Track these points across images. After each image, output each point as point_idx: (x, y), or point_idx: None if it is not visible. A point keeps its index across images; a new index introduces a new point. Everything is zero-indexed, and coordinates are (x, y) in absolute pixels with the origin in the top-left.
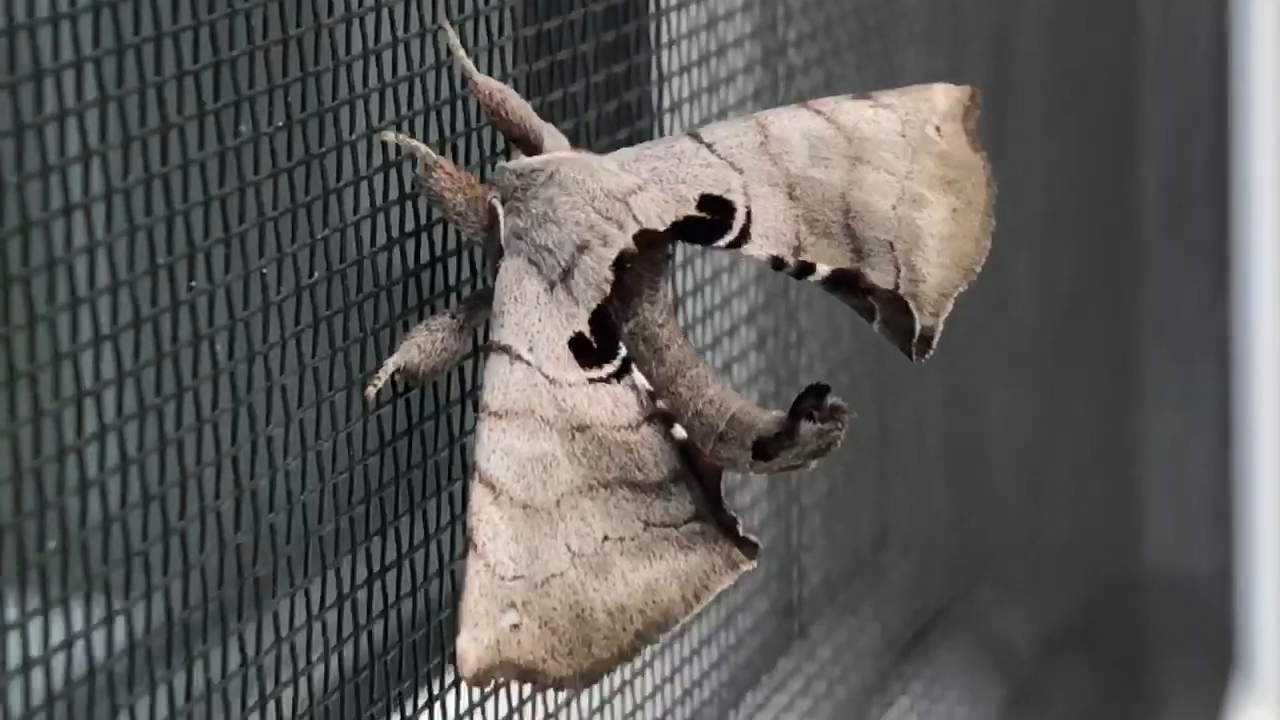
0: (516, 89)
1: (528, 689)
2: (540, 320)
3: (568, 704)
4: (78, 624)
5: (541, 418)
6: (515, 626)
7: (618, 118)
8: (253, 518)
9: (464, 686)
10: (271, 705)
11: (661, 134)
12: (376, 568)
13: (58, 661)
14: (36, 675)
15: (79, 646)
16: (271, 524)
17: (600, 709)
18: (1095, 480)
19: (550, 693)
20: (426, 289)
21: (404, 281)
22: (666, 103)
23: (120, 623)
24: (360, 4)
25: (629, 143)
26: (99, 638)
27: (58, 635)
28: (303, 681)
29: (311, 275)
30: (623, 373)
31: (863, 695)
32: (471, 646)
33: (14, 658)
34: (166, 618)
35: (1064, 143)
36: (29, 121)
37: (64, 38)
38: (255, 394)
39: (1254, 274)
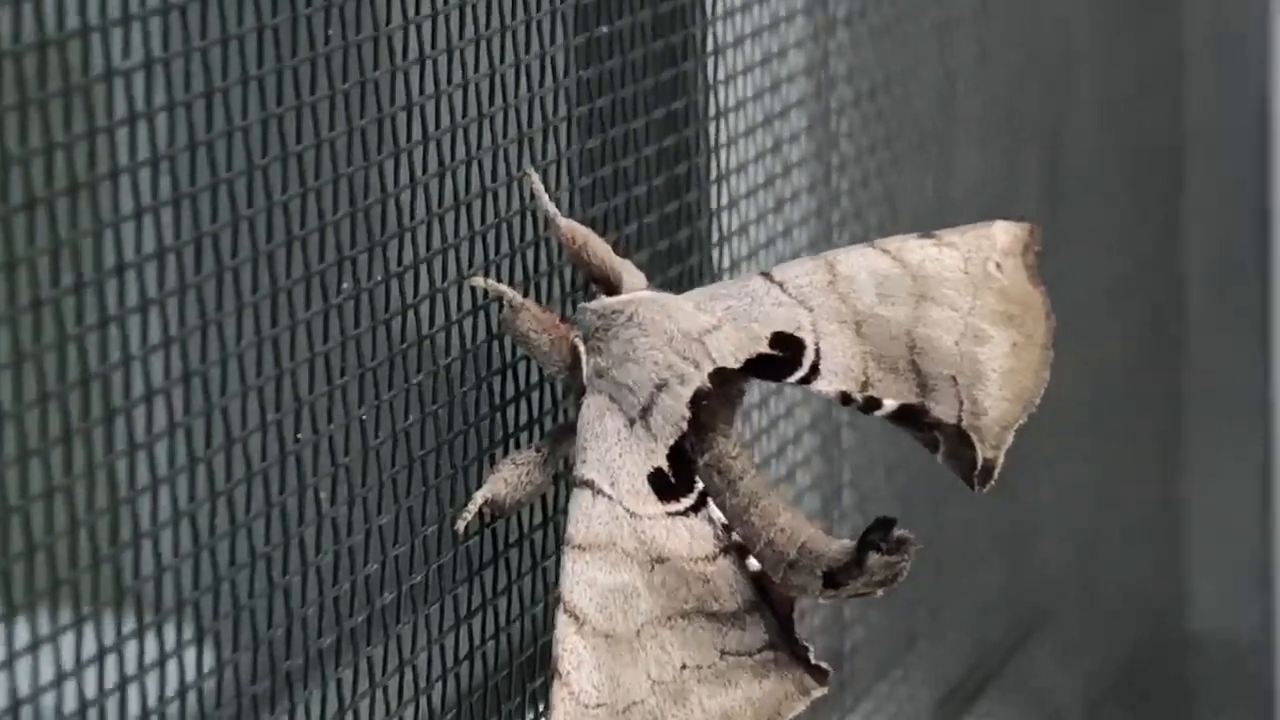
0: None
1: None
2: (621, 456)
3: None
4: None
5: (623, 550)
6: None
7: (670, 255)
8: (352, 653)
9: None
10: None
11: (716, 264)
12: (465, 689)
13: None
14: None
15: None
16: (369, 658)
17: None
18: (1141, 544)
19: None
20: (511, 423)
21: (491, 417)
22: (725, 230)
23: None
24: (453, 158)
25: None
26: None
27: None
28: None
29: (407, 419)
30: (699, 506)
31: None
32: None
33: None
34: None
35: (1112, 220)
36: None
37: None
38: (355, 537)
39: None
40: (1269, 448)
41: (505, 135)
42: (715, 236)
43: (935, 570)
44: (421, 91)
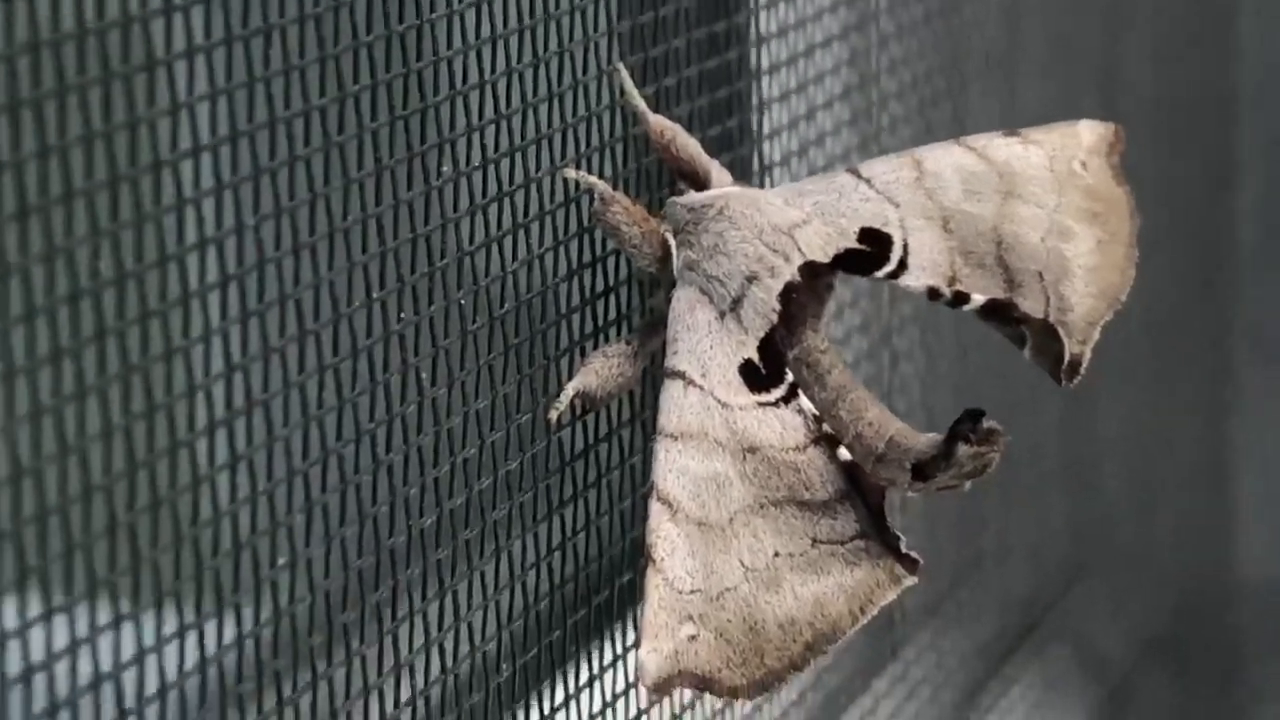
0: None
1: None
2: (712, 347)
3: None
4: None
5: (714, 439)
6: (693, 638)
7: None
8: (451, 534)
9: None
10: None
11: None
12: (558, 579)
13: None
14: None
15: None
16: (467, 541)
17: None
18: (1192, 491)
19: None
20: (602, 317)
21: (582, 310)
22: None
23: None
24: (546, 49)
25: None
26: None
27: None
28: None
29: (503, 306)
30: (790, 397)
31: (962, 700)
32: (652, 656)
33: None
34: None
35: (1165, 163)
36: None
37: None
38: (454, 419)
39: None
40: None
41: (596, 30)
42: (755, 164)
43: (1001, 494)
44: (546, 49)
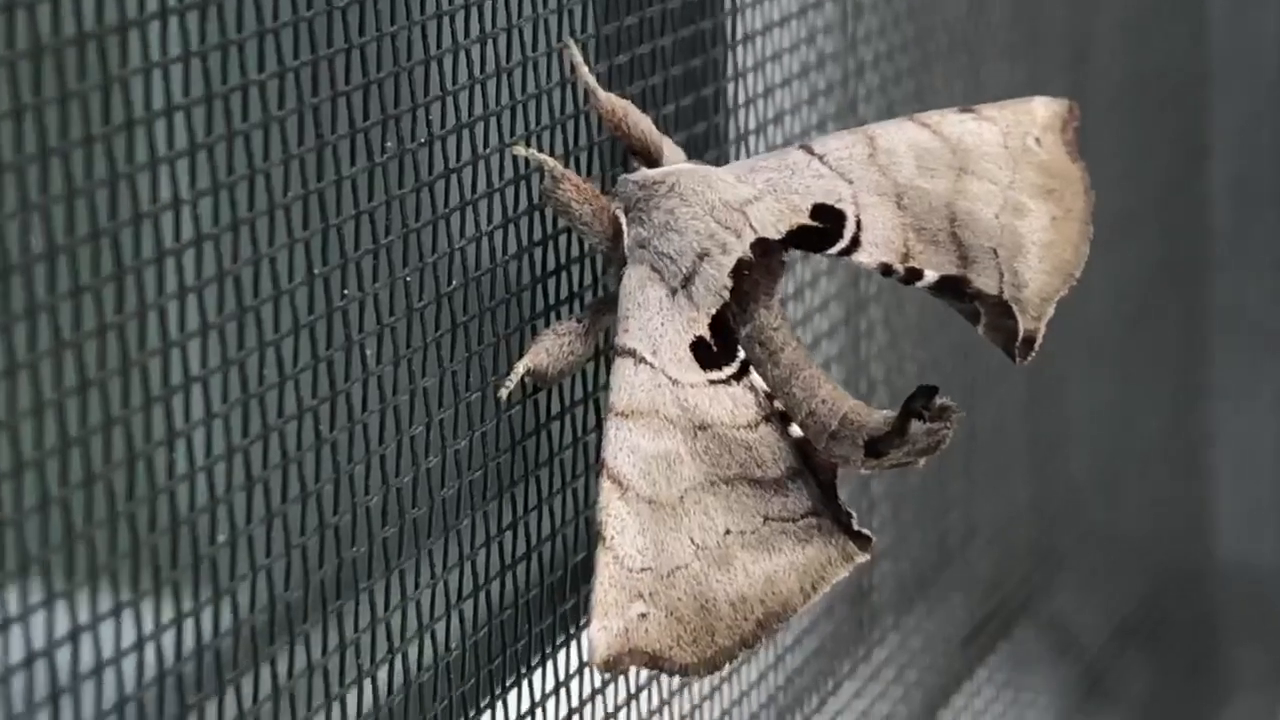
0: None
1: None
2: (663, 324)
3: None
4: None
5: (665, 417)
6: (643, 616)
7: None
8: (398, 513)
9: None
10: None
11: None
12: (508, 559)
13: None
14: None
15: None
16: (414, 520)
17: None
18: (1166, 474)
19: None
20: (553, 295)
21: (532, 288)
22: (750, 124)
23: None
24: (494, 25)
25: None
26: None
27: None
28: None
29: (450, 283)
30: (741, 374)
31: (938, 685)
32: (602, 635)
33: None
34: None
35: (1137, 144)
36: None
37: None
38: (400, 396)
39: None
40: None
41: (546, 5)
42: (733, 133)
43: (966, 475)
44: (494, 25)
